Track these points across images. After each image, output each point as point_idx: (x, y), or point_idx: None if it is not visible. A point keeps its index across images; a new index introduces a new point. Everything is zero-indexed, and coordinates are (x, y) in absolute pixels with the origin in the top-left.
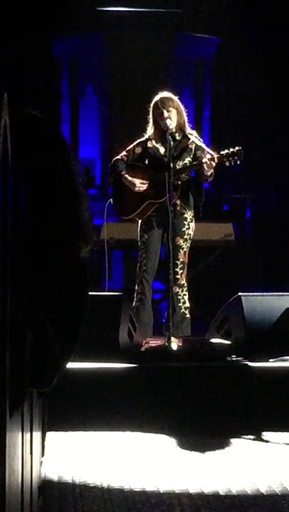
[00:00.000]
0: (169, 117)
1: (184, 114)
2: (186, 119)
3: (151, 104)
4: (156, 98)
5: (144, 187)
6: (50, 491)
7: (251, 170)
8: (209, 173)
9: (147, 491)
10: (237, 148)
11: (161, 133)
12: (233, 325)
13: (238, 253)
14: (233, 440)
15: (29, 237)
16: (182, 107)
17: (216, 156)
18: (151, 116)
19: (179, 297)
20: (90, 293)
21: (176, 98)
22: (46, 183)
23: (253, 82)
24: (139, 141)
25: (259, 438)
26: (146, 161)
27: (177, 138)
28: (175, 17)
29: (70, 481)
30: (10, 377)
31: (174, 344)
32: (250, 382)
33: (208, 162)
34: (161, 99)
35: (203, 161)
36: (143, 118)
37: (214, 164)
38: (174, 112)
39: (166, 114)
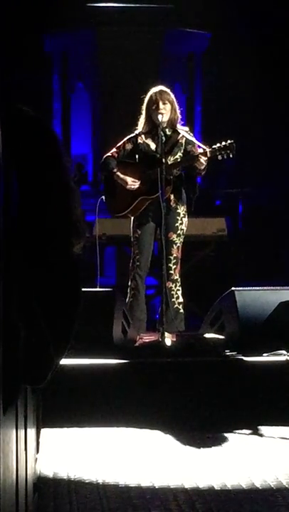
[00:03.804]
0: (164, 109)
1: (178, 111)
2: (179, 116)
3: (147, 96)
4: (154, 90)
5: (137, 185)
6: (45, 488)
7: (243, 165)
8: (202, 167)
9: (142, 487)
10: (229, 141)
11: (152, 127)
12: (226, 320)
13: (230, 248)
14: (227, 435)
15: (22, 233)
16: (177, 105)
17: (208, 150)
18: (144, 108)
19: (173, 292)
20: (83, 289)
21: (172, 94)
22: (38, 179)
23: (245, 76)
24: (129, 137)
25: (254, 432)
26: (137, 157)
27: (167, 133)
28: (166, 12)
29: (65, 478)
30: (4, 373)
31: (168, 339)
32: (244, 377)
33: (201, 156)
34: (160, 91)
35: (196, 154)
36: (135, 113)
37: (206, 158)
38: (168, 106)
39: (161, 106)
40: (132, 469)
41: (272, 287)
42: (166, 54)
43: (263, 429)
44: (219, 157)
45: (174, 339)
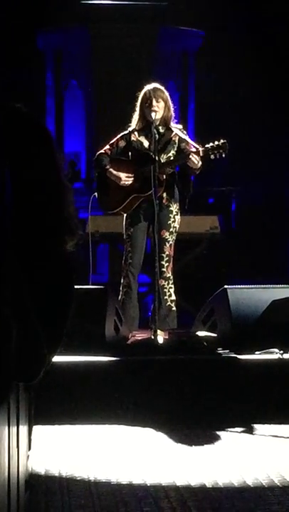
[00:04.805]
0: (157, 107)
1: (172, 109)
2: (173, 114)
3: (142, 93)
4: (148, 87)
5: (130, 181)
6: (37, 485)
7: (236, 163)
8: (197, 167)
9: (134, 484)
10: (222, 141)
11: (145, 125)
12: (219, 318)
13: (223, 246)
14: (219, 433)
15: (15, 231)
16: (171, 102)
17: (200, 149)
18: (138, 105)
19: (165, 290)
20: (75, 286)
21: (166, 92)
22: (32, 177)
23: (239, 74)
24: (122, 134)
25: (246, 430)
26: (130, 155)
27: (161, 130)
28: (160, 10)
29: (57, 475)
30: None
31: (160, 337)
32: (236, 375)
33: (193, 155)
34: (154, 89)
35: (189, 153)
36: (128, 111)
37: (199, 157)
38: (162, 103)
39: (154, 103)
40: (123, 467)
41: (264, 285)
42: (160, 52)
43: (255, 427)
44: (212, 156)
45: (167, 337)
